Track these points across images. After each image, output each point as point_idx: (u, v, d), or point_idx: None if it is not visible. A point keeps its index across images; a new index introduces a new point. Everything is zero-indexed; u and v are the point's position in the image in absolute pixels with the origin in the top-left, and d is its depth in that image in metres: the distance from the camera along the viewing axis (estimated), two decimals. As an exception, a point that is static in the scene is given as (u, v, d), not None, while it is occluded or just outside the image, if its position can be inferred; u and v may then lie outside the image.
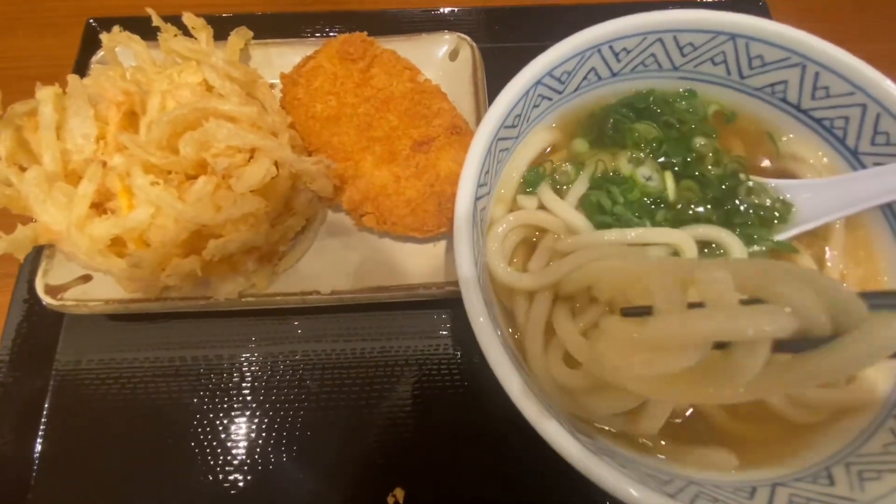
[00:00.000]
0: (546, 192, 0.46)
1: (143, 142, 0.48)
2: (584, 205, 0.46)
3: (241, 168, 0.47)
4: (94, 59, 0.65)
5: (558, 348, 0.40)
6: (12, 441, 0.53)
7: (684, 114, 0.46)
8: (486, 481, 0.51)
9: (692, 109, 0.47)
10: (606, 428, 0.38)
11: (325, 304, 0.55)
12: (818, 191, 0.43)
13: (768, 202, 0.44)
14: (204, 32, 0.55)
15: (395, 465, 0.52)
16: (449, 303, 0.57)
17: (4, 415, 0.54)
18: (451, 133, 0.58)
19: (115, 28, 0.57)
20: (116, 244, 0.49)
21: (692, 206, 0.44)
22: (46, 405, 0.55)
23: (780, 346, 0.27)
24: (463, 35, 0.66)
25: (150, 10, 0.55)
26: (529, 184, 0.47)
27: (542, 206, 0.47)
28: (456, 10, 0.73)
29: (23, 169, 0.50)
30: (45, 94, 0.50)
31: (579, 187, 0.46)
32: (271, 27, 0.71)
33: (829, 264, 0.43)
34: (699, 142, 0.47)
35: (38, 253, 0.55)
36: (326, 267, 0.57)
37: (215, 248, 0.46)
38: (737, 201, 0.44)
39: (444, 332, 0.57)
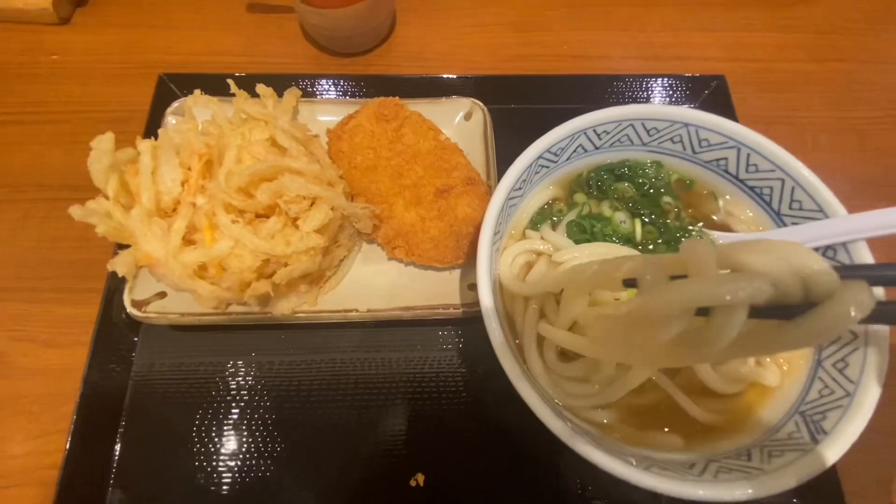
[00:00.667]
0: (545, 227, 0.60)
1: (227, 187, 0.60)
2: (570, 229, 0.60)
3: (306, 212, 0.60)
4: (168, 110, 0.77)
5: (550, 348, 0.52)
6: (96, 435, 0.63)
7: (652, 179, 0.60)
8: (496, 466, 0.62)
9: (659, 176, 0.61)
10: (587, 420, 0.51)
11: (362, 320, 0.67)
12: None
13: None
14: (271, 99, 0.69)
15: (417, 453, 0.63)
16: (462, 321, 0.69)
17: (93, 410, 0.64)
18: (466, 183, 0.71)
19: (197, 91, 0.70)
20: (200, 268, 0.61)
21: (651, 245, 0.58)
22: (126, 402, 0.66)
23: (758, 313, 0.30)
24: (476, 100, 0.80)
25: (230, 81, 0.68)
26: (535, 223, 0.61)
27: (542, 238, 0.60)
28: (469, 76, 0.87)
29: (124, 206, 0.63)
30: (146, 146, 0.63)
31: (569, 218, 0.60)
32: (314, 86, 0.85)
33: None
34: (665, 199, 0.60)
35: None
36: (362, 289, 0.69)
37: (283, 274, 0.59)
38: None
39: (459, 345, 0.69)
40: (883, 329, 0.45)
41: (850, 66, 0.95)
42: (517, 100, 0.86)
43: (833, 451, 0.42)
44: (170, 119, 0.77)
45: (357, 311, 0.66)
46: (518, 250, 0.58)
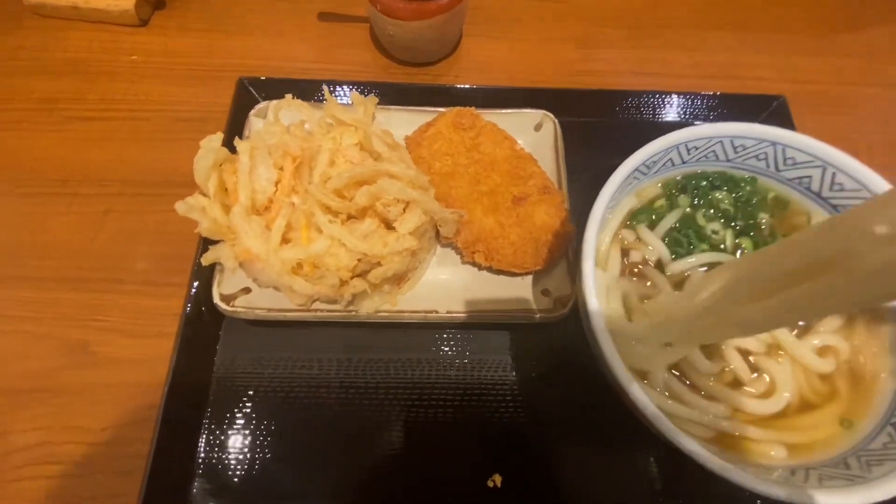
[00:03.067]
0: (643, 229, 0.62)
1: (324, 188, 0.63)
2: (669, 236, 0.61)
3: (401, 215, 0.62)
4: (252, 112, 0.80)
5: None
6: (183, 425, 0.64)
7: (749, 192, 0.62)
8: (572, 469, 0.64)
9: (756, 191, 0.63)
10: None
11: (442, 321, 0.69)
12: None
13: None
14: (362, 106, 0.71)
15: (495, 454, 0.65)
16: (537, 326, 0.70)
17: (180, 401, 0.65)
18: (542, 192, 0.74)
19: (288, 96, 0.72)
20: (296, 266, 0.63)
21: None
22: (210, 394, 0.67)
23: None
24: (547, 112, 0.83)
25: (325, 87, 0.71)
26: (634, 219, 0.63)
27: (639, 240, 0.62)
28: (536, 88, 0.90)
29: (223, 204, 0.65)
30: (245, 147, 0.65)
31: (670, 221, 0.61)
32: (388, 94, 0.87)
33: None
34: (762, 216, 0.62)
35: (210, 269, 0.69)
36: (439, 291, 0.71)
37: (379, 273, 0.61)
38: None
39: (533, 348, 0.71)
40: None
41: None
42: (582, 113, 0.88)
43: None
44: (253, 121, 0.80)
45: (437, 312, 0.68)
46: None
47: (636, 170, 0.57)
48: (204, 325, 0.70)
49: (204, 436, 0.65)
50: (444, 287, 0.72)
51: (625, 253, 0.61)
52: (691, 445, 0.44)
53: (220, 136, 0.62)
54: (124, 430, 0.67)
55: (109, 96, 0.90)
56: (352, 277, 0.62)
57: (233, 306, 0.67)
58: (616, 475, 0.64)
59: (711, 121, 0.87)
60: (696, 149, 0.60)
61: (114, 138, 0.86)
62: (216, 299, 0.67)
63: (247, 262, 0.64)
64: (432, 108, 0.83)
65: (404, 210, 0.63)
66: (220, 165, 0.66)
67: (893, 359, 0.54)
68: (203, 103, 0.89)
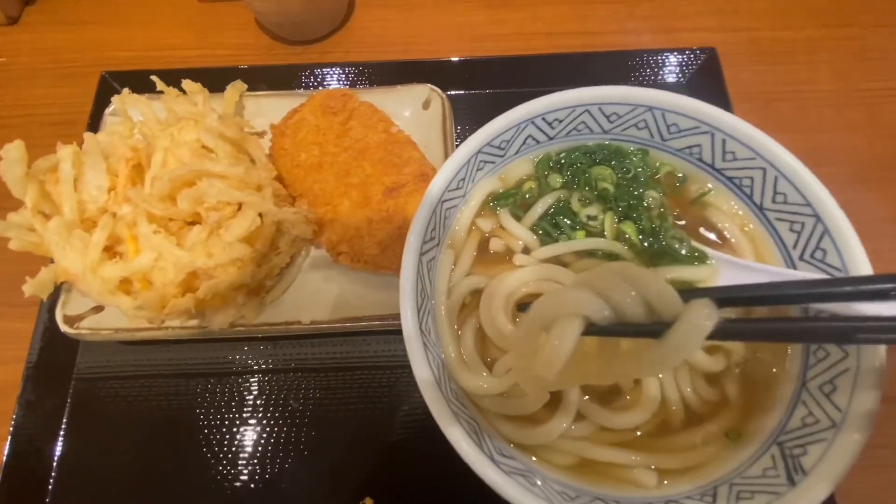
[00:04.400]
0: (505, 215, 0.53)
1: (147, 195, 0.56)
2: (540, 227, 0.52)
3: (230, 220, 0.54)
4: (107, 111, 0.73)
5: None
6: (34, 451, 0.60)
7: (638, 168, 0.53)
8: (446, 489, 0.57)
9: (645, 166, 0.53)
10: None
11: (305, 332, 0.62)
12: (738, 271, 0.48)
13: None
14: (201, 95, 0.63)
15: (366, 476, 0.59)
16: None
17: (29, 428, 0.61)
18: (419, 180, 0.65)
19: (125, 91, 0.65)
20: (124, 282, 0.56)
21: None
22: (65, 420, 0.62)
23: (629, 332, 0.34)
24: (434, 87, 0.73)
25: (154, 78, 0.63)
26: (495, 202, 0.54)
27: (500, 226, 0.53)
28: (429, 60, 0.80)
29: (46, 217, 0.59)
30: (66, 153, 0.58)
31: (540, 208, 0.52)
32: (264, 78, 0.79)
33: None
34: (651, 195, 0.53)
35: (58, 286, 0.64)
36: (309, 298, 0.64)
37: (207, 288, 0.54)
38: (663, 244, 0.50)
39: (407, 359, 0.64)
40: (876, 349, 0.38)
41: (860, 32, 0.84)
42: (485, 85, 0.79)
43: (809, 498, 0.35)
44: (109, 121, 0.73)
45: (300, 322, 0.61)
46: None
47: (482, 152, 0.48)
48: (58, 346, 0.65)
49: (58, 455, 0.60)
50: (316, 293, 0.65)
51: (484, 243, 0.53)
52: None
53: (19, 143, 0.55)
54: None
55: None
56: (184, 293, 0.55)
57: (77, 328, 0.61)
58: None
59: (631, 83, 0.77)
60: (560, 121, 0.51)
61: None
62: (59, 321, 0.61)
63: (73, 283, 0.58)
64: (308, 92, 0.74)
65: (237, 213, 0.55)
66: (45, 175, 0.59)
67: (793, 363, 0.45)
68: (70, 104, 0.82)
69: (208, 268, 0.54)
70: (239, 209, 0.56)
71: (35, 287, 0.54)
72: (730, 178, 0.51)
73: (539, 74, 0.79)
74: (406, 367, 0.62)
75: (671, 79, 0.78)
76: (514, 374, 0.44)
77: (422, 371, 0.40)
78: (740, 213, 0.52)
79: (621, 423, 0.44)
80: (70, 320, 0.62)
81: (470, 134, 0.47)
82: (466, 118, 0.77)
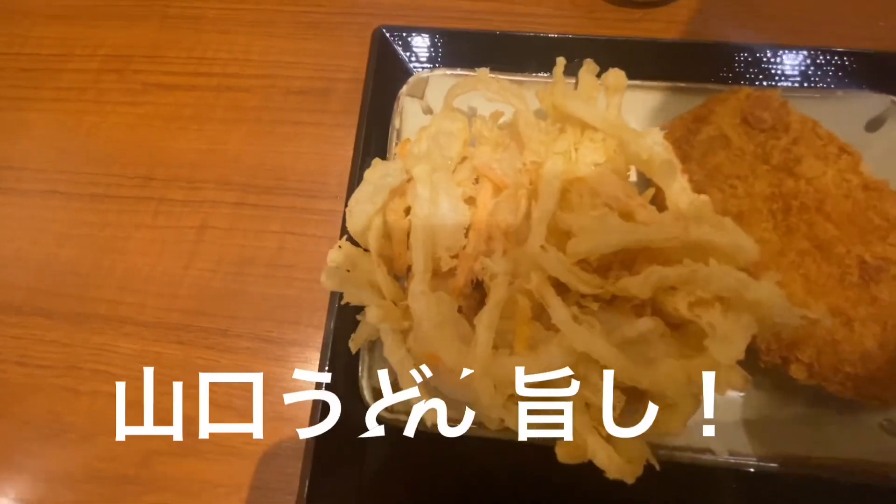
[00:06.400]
0: None
1: (563, 256, 0.35)
2: None
3: (716, 319, 0.33)
4: (403, 89, 0.52)
5: None
6: None
7: None
8: None
9: None
10: None
11: (718, 466, 0.42)
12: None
13: None
14: (618, 96, 0.40)
15: None
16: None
17: None
18: (914, 256, 0.42)
19: (483, 70, 0.43)
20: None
21: None
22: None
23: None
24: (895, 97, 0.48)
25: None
26: None
27: None
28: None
29: (388, 264, 0.40)
30: (422, 172, 0.38)
31: None
32: (577, 54, 0.54)
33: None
34: None
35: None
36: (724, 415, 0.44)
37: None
38: None
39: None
40: None
41: None
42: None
43: None
44: (405, 104, 0.52)
45: (712, 452, 0.41)
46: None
47: None
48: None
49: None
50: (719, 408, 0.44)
51: None
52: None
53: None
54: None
55: (198, 54, 0.64)
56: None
57: (393, 413, 0.43)
58: None
59: None
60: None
61: (202, 117, 0.62)
62: (367, 398, 0.44)
63: (434, 368, 0.39)
64: (681, 84, 0.51)
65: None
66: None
67: None
68: (320, 65, 0.62)
69: (658, 386, 0.34)
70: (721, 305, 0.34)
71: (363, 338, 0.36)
72: None
73: None
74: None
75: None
76: None
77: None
78: None
79: None
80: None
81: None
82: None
